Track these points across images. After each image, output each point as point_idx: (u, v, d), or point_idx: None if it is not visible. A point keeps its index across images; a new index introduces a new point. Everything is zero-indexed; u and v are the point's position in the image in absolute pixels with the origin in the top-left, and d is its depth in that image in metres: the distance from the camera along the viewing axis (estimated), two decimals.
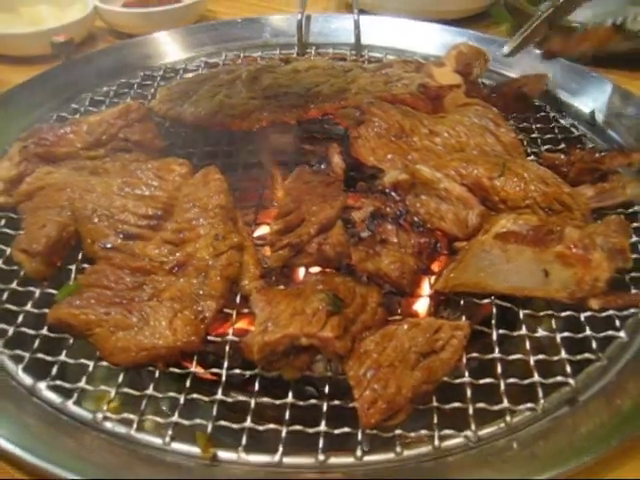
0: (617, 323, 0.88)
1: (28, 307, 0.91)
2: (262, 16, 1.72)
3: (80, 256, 0.97)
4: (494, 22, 1.89)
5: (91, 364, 0.83)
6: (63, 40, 1.49)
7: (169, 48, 1.58)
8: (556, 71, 1.40)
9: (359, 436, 0.74)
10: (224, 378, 0.82)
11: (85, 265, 0.95)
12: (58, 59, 1.51)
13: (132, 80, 1.45)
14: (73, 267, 0.96)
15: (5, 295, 0.93)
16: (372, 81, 1.27)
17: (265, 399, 0.79)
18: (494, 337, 0.85)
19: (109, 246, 0.93)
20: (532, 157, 1.15)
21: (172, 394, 0.80)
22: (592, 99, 1.33)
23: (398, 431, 0.75)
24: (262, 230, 1.02)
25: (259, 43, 1.62)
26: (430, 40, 1.58)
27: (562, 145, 1.19)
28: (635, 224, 1.03)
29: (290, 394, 0.79)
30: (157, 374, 0.82)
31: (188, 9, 1.84)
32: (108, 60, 1.51)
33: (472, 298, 0.91)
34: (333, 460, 0.73)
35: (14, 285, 0.94)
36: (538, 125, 1.26)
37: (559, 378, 0.80)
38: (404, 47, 1.58)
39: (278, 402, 0.79)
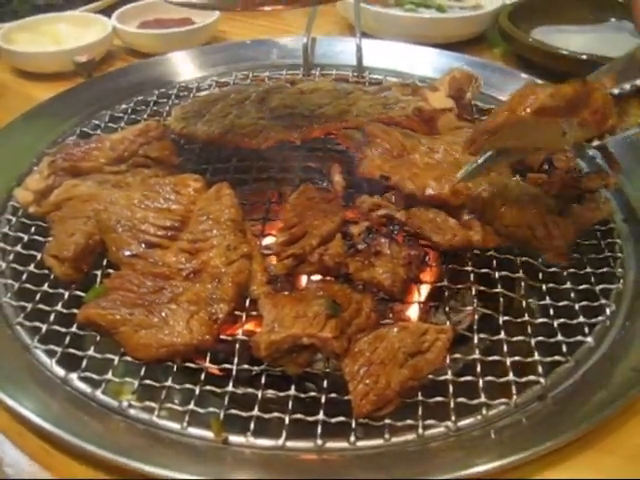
0: (586, 330, 0.96)
1: (58, 307, 0.99)
2: (270, 38, 1.80)
3: (105, 262, 1.05)
4: (489, 46, 1.97)
5: (116, 358, 0.91)
6: (85, 60, 1.59)
7: (183, 68, 1.66)
8: None
9: (353, 424, 0.83)
10: (234, 373, 0.90)
11: (109, 270, 1.03)
12: (80, 77, 1.61)
13: (148, 98, 1.53)
14: (99, 272, 1.04)
15: (38, 296, 1.01)
16: (371, 104, 1.35)
17: (270, 391, 0.88)
18: (475, 340, 0.94)
19: (131, 254, 1.01)
20: (517, 177, 1.23)
21: (188, 386, 0.88)
22: None
23: (387, 420, 0.83)
24: (269, 241, 1.09)
25: (267, 64, 1.70)
26: (428, 63, 1.65)
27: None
28: (609, 240, 1.13)
29: (293, 387, 0.88)
30: (175, 369, 0.90)
31: (201, 30, 1.91)
32: (126, 79, 1.60)
33: (457, 304, 1.01)
34: (329, 444, 0.82)
35: (45, 287, 1.02)
36: None
37: (531, 377, 0.89)
38: (403, 70, 1.65)
39: (282, 394, 0.88)
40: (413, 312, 1.06)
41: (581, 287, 1.04)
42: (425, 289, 1.05)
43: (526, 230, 1.03)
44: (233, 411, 0.85)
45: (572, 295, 1.02)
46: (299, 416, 0.84)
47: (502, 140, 0.94)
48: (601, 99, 0.92)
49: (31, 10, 1.99)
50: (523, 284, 1.03)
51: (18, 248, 1.10)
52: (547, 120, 0.90)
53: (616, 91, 0.93)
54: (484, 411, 0.85)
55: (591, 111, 0.91)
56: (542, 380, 0.89)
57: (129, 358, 0.92)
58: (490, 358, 0.92)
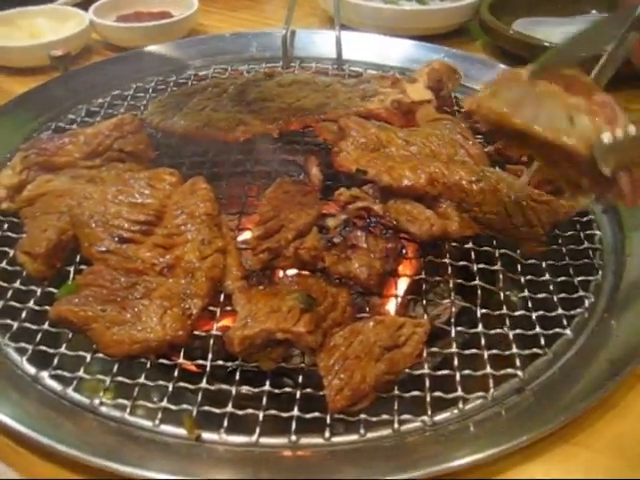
0: (564, 322, 0.96)
1: (30, 304, 0.98)
2: (249, 31, 1.79)
3: (78, 258, 1.03)
4: (470, 38, 1.96)
5: (88, 356, 0.90)
6: (61, 53, 1.56)
7: (161, 61, 1.64)
8: None
9: (327, 420, 0.82)
10: (208, 369, 0.89)
11: (82, 266, 1.01)
12: (56, 71, 1.59)
13: (125, 92, 1.52)
14: (71, 268, 1.02)
15: (9, 293, 1.00)
16: (350, 96, 1.34)
17: (245, 388, 0.87)
18: (453, 334, 0.93)
19: (105, 249, 0.99)
20: (496, 168, 1.22)
21: (161, 383, 0.87)
22: None
23: (362, 416, 0.82)
24: (245, 235, 1.08)
25: (246, 57, 1.69)
26: (408, 56, 1.65)
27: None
28: (589, 231, 1.13)
29: (267, 383, 0.87)
30: (148, 365, 0.89)
31: (179, 23, 1.89)
32: (103, 72, 1.58)
33: (435, 298, 1.00)
34: (304, 440, 0.81)
35: (17, 284, 1.01)
36: None
37: (509, 370, 0.88)
38: (383, 62, 1.64)
39: (256, 390, 0.86)
40: (391, 306, 1.05)
41: (560, 279, 1.03)
42: (403, 282, 1.04)
43: (504, 218, 1.02)
44: (206, 408, 0.84)
45: (551, 287, 1.01)
46: (273, 412, 0.83)
47: (498, 100, 0.90)
48: (602, 95, 0.87)
49: (7, 3, 1.96)
50: (501, 276, 1.02)
51: None
52: (549, 92, 0.87)
53: None
54: (461, 405, 0.84)
55: (597, 102, 0.86)
56: (520, 373, 0.88)
57: (101, 355, 0.90)
58: (468, 351, 0.91)
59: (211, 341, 0.92)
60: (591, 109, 0.85)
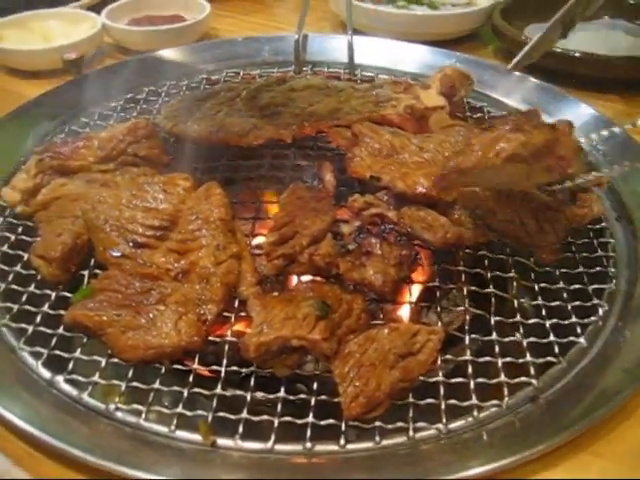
0: (578, 330, 0.95)
1: (45, 308, 0.98)
2: (262, 35, 1.79)
3: (92, 262, 1.04)
4: (483, 43, 1.96)
5: (103, 360, 0.90)
6: (75, 57, 1.57)
7: (173, 65, 1.65)
8: (533, 92, 1.49)
9: (342, 427, 0.82)
10: (223, 375, 0.89)
11: (97, 271, 1.01)
12: (69, 74, 1.59)
13: (138, 96, 1.52)
14: (86, 272, 1.03)
15: (24, 297, 1.00)
16: (363, 101, 1.35)
17: (260, 394, 0.87)
18: (467, 341, 0.93)
19: (119, 254, 0.99)
20: None
21: (176, 388, 0.87)
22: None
23: (377, 423, 0.82)
24: (259, 240, 1.08)
25: (258, 61, 1.69)
26: (420, 61, 1.65)
27: None
28: (602, 239, 1.12)
29: (282, 389, 0.87)
30: (163, 370, 0.89)
31: (192, 27, 1.89)
32: (115, 76, 1.58)
33: (448, 305, 1.00)
34: (319, 447, 0.81)
35: (32, 288, 1.01)
36: None
37: (523, 378, 0.88)
38: (395, 67, 1.64)
39: (271, 396, 0.86)
40: (404, 312, 1.05)
41: (574, 287, 1.03)
42: (416, 289, 1.04)
43: (518, 225, 1.02)
44: (221, 414, 0.84)
45: (564, 295, 1.01)
46: (288, 419, 0.83)
47: (470, 179, 0.96)
48: (567, 146, 0.93)
49: (19, 6, 1.96)
50: (515, 284, 1.02)
51: (5, 248, 1.09)
52: (515, 168, 0.92)
53: None
54: (475, 413, 0.85)
55: (556, 157, 0.92)
56: (534, 381, 0.88)
57: (116, 360, 0.90)
58: (481, 359, 0.91)
59: (226, 347, 0.92)
60: (549, 166, 0.93)
